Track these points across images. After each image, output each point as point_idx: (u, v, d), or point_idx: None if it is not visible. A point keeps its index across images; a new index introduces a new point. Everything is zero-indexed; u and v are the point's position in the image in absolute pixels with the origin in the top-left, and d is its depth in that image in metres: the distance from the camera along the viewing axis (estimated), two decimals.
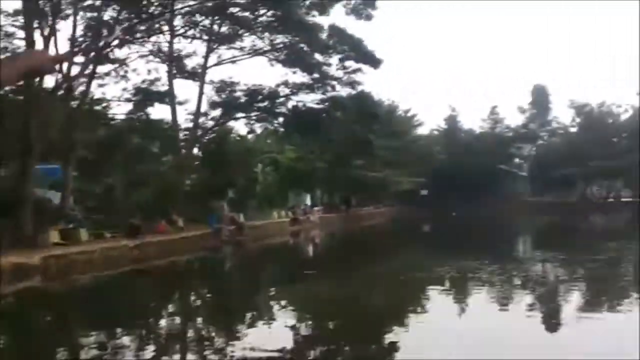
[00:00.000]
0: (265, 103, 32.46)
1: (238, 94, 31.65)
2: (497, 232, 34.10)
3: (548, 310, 9.66)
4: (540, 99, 71.31)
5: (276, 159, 39.41)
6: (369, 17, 31.26)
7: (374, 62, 31.67)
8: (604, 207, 60.95)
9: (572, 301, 10.09)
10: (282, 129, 36.04)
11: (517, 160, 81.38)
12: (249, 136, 37.43)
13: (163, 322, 9.61)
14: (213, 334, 8.74)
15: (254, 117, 32.92)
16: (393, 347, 7.45)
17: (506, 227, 38.72)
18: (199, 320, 9.87)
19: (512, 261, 16.94)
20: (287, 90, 32.16)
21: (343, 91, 32.76)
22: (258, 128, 35.38)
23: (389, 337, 8.05)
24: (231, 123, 34.00)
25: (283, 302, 11.13)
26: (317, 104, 32.89)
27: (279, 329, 8.58)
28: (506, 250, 20.92)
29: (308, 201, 41.36)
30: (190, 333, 8.90)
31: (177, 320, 10.00)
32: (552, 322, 8.69)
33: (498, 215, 49.29)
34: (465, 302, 10.71)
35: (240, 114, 32.51)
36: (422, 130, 72.26)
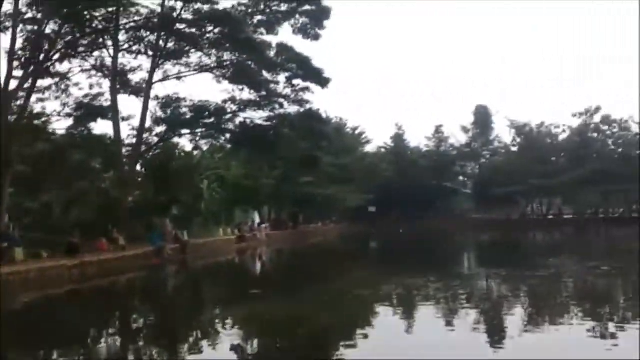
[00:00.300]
0: (212, 119, 32.12)
1: (184, 110, 31.22)
2: (442, 248, 34.61)
3: (491, 325, 9.74)
4: (482, 118, 73.48)
5: (223, 175, 38.95)
6: (316, 37, 31.61)
7: (322, 81, 31.91)
8: (545, 224, 62.99)
9: (514, 316, 10.19)
10: (229, 146, 35.72)
11: (461, 178, 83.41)
12: (195, 152, 36.85)
13: (100, 345, 9.14)
14: (154, 358, 8.37)
15: (199, 134, 32.48)
16: None
17: (451, 244, 39.33)
18: (139, 343, 9.45)
19: (457, 278, 17.12)
20: (234, 107, 31.98)
21: (291, 109, 32.87)
22: (204, 144, 34.92)
23: (335, 356, 7.90)
24: (176, 139, 33.42)
25: (227, 323, 10.82)
26: (265, 121, 32.81)
27: (223, 350, 8.32)
28: (451, 267, 21.18)
29: (255, 218, 40.93)
30: (130, 357, 8.50)
31: (115, 342, 9.53)
32: (495, 336, 8.74)
33: (443, 232, 50.10)
34: (411, 318, 10.69)
35: (185, 130, 32.03)
36: (369, 148, 73.16)
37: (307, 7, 30.90)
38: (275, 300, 13.58)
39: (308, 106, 32.72)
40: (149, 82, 29.67)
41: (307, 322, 10.91)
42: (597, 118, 66.71)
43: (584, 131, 66.93)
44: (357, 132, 67.10)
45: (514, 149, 73.18)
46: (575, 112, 67.37)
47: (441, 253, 30.40)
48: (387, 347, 8.34)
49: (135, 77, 30.51)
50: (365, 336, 9.27)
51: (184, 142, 34.67)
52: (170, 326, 10.87)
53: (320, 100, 62.73)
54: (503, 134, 75.83)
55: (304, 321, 10.99)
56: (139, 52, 29.50)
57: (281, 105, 32.47)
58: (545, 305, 11.35)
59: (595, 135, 67.26)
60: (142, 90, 29.88)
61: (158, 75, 30.17)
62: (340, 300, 13.13)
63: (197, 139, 32.93)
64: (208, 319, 11.53)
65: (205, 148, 36.64)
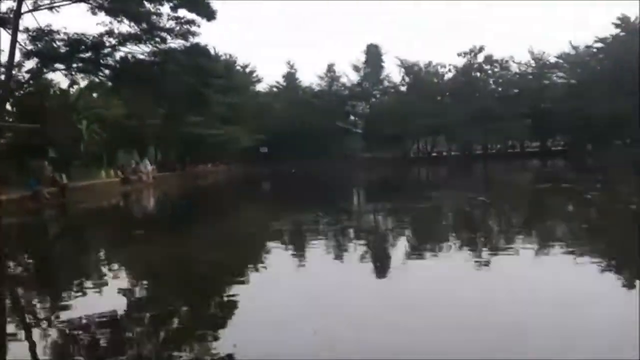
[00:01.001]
0: (89, 54, 29.80)
1: (58, 43, 28.67)
2: (333, 187, 35.14)
3: (377, 257, 9.87)
4: (373, 58, 74.27)
5: (103, 115, 36.54)
6: None
7: (209, 13, 30.36)
8: (429, 162, 65.84)
9: (400, 247, 10.40)
10: (109, 83, 33.55)
11: (352, 118, 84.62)
12: (72, 91, 34.27)
13: None
14: (36, 303, 7.67)
15: (75, 69, 30.08)
16: (231, 304, 7.04)
17: (342, 183, 40.05)
18: (19, 289, 8.66)
19: (345, 213, 17.34)
20: (113, 41, 29.75)
21: (176, 43, 31.13)
22: (81, 79, 32.51)
23: (226, 295, 7.62)
24: (50, 75, 30.84)
25: (111, 265, 10.23)
26: (148, 56, 30.95)
27: (109, 293, 7.83)
28: (340, 203, 21.45)
29: (140, 160, 39.18)
30: (8, 302, 7.74)
31: None
32: (381, 268, 8.84)
33: (334, 172, 50.92)
34: (302, 253, 10.61)
35: (60, 65, 29.52)
36: (261, 87, 72.07)
37: None
38: (162, 241, 13.08)
39: (194, 40, 31.16)
40: (17, 12, 26.82)
41: (195, 261, 10.53)
42: (480, 58, 69.61)
43: (468, 71, 69.70)
44: (247, 70, 65.61)
45: (403, 88, 75.03)
46: (460, 51, 69.85)
47: (331, 191, 30.82)
48: (277, 282, 8.18)
49: (1, 7, 27.60)
50: (256, 270, 9.07)
51: (60, 79, 32.16)
52: (48, 271, 10.09)
53: (208, 36, 60.36)
54: (393, 73, 77.47)
55: (192, 261, 10.61)
56: None
57: (164, 40, 30.67)
58: (426, 235, 11.68)
59: (479, 74, 70.27)
60: (10, 22, 27.06)
61: (28, 4, 27.36)
62: (229, 239, 12.84)
63: (73, 74, 30.53)
64: (91, 262, 10.85)
65: (83, 84, 34.19)
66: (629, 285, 7.13)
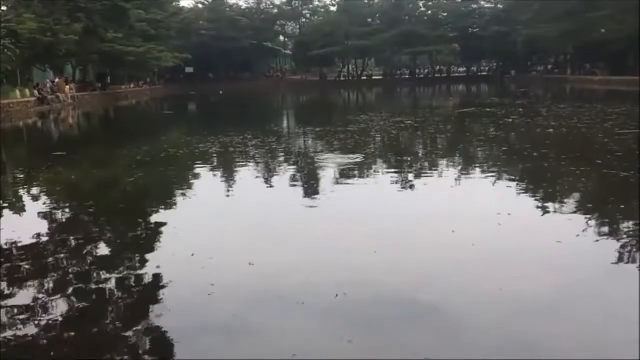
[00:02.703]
0: None
1: None
2: (261, 109, 34.74)
3: (305, 180, 9.95)
4: None
5: (14, 30, 33.77)
6: None
7: None
8: (358, 84, 65.92)
9: (325, 170, 10.50)
10: None
11: (282, 38, 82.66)
12: None
13: None
14: None
15: None
16: (160, 225, 6.97)
17: (271, 104, 39.64)
18: None
19: (273, 135, 17.24)
20: None
21: None
22: None
23: (155, 217, 7.53)
24: None
25: (32, 189, 9.82)
26: None
27: (30, 216, 7.62)
28: (268, 125, 21.28)
29: (57, 79, 36.96)
30: None
31: None
32: (310, 189, 8.93)
33: (263, 93, 50.20)
34: (228, 177, 10.53)
35: None
36: (185, 3, 68.76)
37: None
38: (83, 163, 12.65)
39: None
40: None
41: (118, 182, 10.29)
42: None
43: None
44: None
45: (334, 9, 73.61)
46: None
47: (260, 113, 30.46)
48: (206, 205, 8.14)
49: None
50: (184, 195, 8.95)
51: None
52: None
53: None
54: None
55: (115, 182, 10.36)
56: None
57: None
58: (354, 157, 11.83)
59: None
60: None
61: None
62: (155, 160, 12.52)
63: None
64: (7, 184, 10.36)
65: None
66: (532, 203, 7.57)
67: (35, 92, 31.17)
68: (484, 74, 74.90)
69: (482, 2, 72.21)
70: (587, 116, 18.91)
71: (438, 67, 77.40)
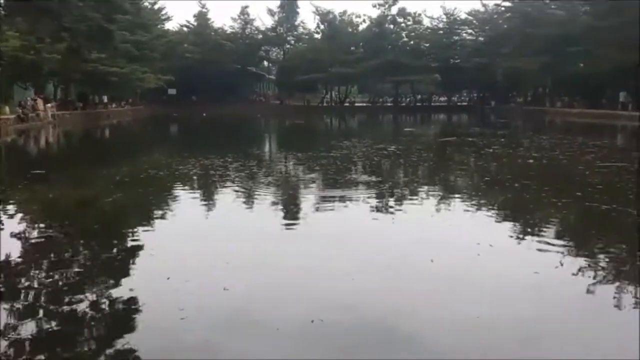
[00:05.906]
0: None
1: None
2: (243, 132, 34.73)
3: (286, 204, 9.91)
4: (288, 2, 72.66)
5: None
6: None
7: None
8: (341, 111, 66.38)
9: (307, 194, 10.48)
10: (3, 13, 30.83)
11: (266, 63, 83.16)
12: None
13: None
14: None
15: None
16: (137, 247, 6.86)
17: (253, 128, 39.67)
18: None
19: (255, 158, 17.21)
20: None
21: None
22: None
23: (132, 238, 7.41)
24: None
25: (7, 207, 9.61)
26: None
27: (2, 235, 7.43)
28: (250, 149, 21.24)
29: (36, 97, 36.58)
30: None
31: None
32: (289, 214, 8.90)
33: (246, 117, 50.24)
34: (207, 199, 10.46)
35: None
36: (170, 25, 68.91)
37: None
38: (62, 181, 12.47)
39: None
40: None
41: (96, 202, 10.11)
42: (394, 10, 69.96)
43: (381, 22, 69.95)
44: (155, 6, 62.04)
45: (318, 36, 74.36)
46: (375, 3, 69.76)
47: (242, 136, 30.45)
48: (184, 226, 8.04)
49: None
50: (162, 217, 8.83)
51: None
52: None
53: None
54: (308, 20, 76.43)
55: (93, 202, 10.18)
56: None
57: None
58: (335, 183, 11.83)
59: (392, 26, 70.78)
60: None
61: None
62: (134, 181, 12.39)
63: None
64: None
65: None
66: (515, 235, 7.61)
67: (19, 109, 30.85)
68: (464, 104, 75.91)
69: (464, 34, 73.66)
70: (567, 148, 19.20)
71: (419, 96, 78.27)
